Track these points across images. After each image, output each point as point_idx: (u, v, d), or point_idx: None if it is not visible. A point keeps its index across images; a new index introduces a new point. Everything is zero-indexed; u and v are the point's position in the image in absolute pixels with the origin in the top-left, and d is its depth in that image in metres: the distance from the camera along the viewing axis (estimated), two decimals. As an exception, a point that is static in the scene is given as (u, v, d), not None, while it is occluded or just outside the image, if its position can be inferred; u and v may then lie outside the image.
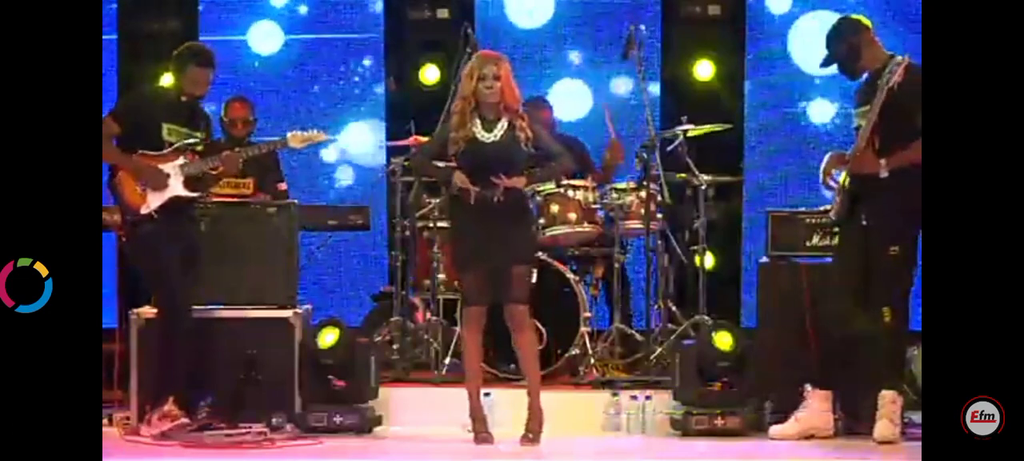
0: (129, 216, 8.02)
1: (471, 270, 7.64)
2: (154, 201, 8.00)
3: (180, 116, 8.09)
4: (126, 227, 8.10)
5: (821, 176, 7.81)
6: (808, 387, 7.86)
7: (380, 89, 11.03)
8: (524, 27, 10.98)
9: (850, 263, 7.75)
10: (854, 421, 7.90)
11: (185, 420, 7.81)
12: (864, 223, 7.69)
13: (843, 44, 7.76)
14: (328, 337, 8.26)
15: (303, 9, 11.01)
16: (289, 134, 8.37)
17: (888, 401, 7.69)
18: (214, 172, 8.21)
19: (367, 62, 11.04)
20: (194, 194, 8.13)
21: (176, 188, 8.03)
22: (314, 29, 11.01)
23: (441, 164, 7.86)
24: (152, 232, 7.99)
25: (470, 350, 7.74)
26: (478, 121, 7.64)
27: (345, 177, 11.00)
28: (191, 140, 8.09)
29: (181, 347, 7.96)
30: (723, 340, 8.18)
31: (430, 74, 10.81)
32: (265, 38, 11.00)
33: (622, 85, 10.81)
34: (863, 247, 7.70)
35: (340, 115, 10.86)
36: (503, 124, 7.64)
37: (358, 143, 11.00)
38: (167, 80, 8.24)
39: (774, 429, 7.89)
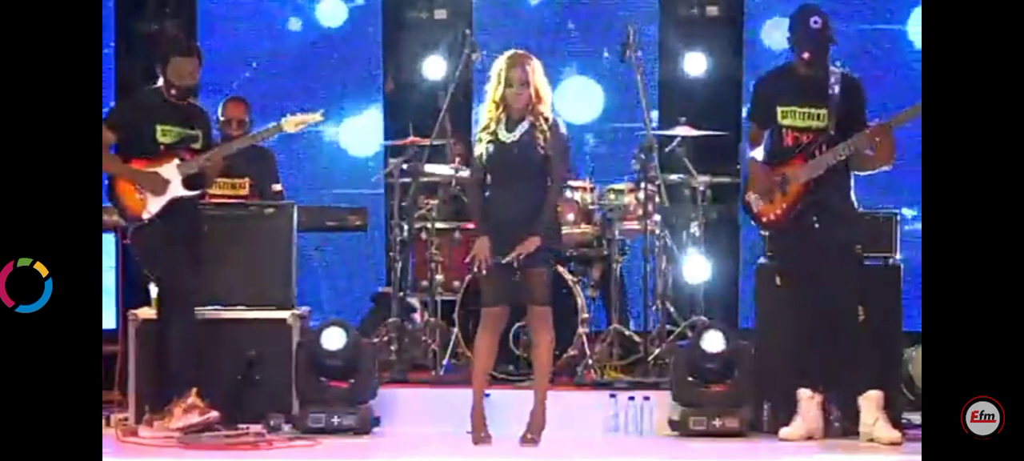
0: (131, 223, 8.02)
1: (491, 272, 7.60)
2: (154, 205, 7.98)
3: (174, 116, 8.07)
4: (130, 232, 8.10)
5: (763, 187, 7.79)
6: (801, 390, 7.86)
7: (378, 89, 11.01)
8: (521, 21, 10.94)
9: (809, 266, 7.74)
10: (851, 422, 7.90)
11: (214, 412, 7.81)
12: (817, 225, 7.69)
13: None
14: (335, 338, 8.24)
15: (299, 8, 10.99)
16: (284, 119, 8.35)
17: (876, 402, 7.69)
18: (213, 167, 8.19)
19: (364, 62, 11.01)
20: (195, 192, 8.12)
21: (176, 189, 8.02)
22: (311, 29, 10.99)
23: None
24: (156, 235, 7.99)
25: (483, 351, 7.71)
26: (503, 119, 7.62)
27: (343, 178, 10.97)
28: (187, 138, 8.08)
29: (196, 341, 7.95)
30: (713, 341, 8.19)
31: (428, 75, 10.78)
32: (262, 38, 10.97)
33: (620, 86, 10.80)
34: (817, 248, 7.69)
35: (338, 116, 10.84)
36: (525, 124, 7.58)
37: (356, 144, 10.98)
38: (157, 81, 8.18)
39: (784, 430, 7.88)
